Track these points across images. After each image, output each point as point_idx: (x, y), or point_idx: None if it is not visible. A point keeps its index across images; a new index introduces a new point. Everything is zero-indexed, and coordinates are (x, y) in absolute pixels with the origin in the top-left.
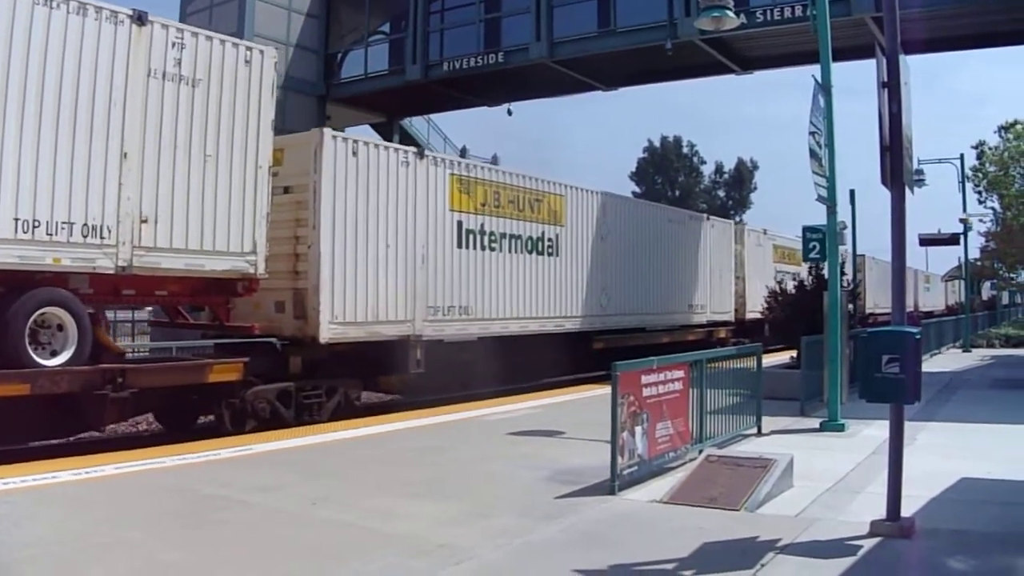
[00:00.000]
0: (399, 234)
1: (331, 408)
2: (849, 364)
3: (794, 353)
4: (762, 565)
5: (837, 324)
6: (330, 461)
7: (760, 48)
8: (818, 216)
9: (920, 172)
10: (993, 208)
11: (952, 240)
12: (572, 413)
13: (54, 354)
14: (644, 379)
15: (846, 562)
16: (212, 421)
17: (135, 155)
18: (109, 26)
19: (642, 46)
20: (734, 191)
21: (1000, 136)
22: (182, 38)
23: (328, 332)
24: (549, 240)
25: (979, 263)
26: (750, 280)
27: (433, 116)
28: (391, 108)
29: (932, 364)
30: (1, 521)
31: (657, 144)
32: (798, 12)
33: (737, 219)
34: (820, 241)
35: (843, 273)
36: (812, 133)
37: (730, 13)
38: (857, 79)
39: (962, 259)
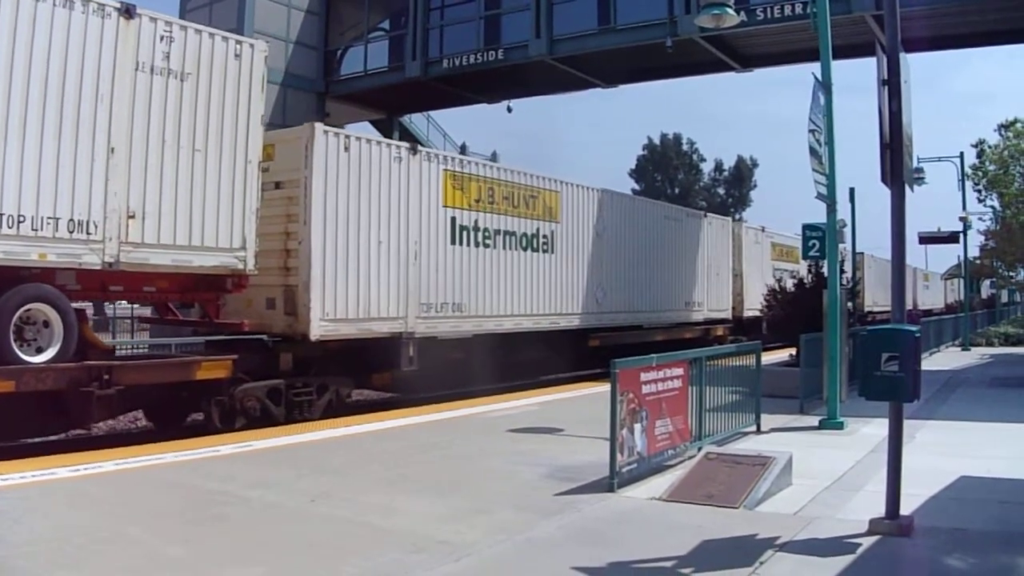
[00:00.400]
0: (392, 230)
1: (322, 406)
2: (848, 362)
3: (793, 351)
4: (761, 563)
5: (836, 322)
6: (331, 457)
7: (760, 46)
8: (818, 214)
9: (920, 170)
10: (993, 207)
11: (952, 238)
12: (571, 410)
13: (39, 351)
14: (643, 376)
15: (845, 560)
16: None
17: (122, 150)
18: (96, 19)
19: (642, 43)
20: (734, 189)
21: (1000, 134)
22: (171, 31)
23: (319, 329)
24: (544, 237)
25: (978, 261)
26: (748, 278)
27: (433, 113)
28: (391, 105)
29: (931, 362)
30: (2, 518)
31: (657, 141)
32: (798, 10)
33: (737, 217)
34: (820, 239)
35: (843, 271)
36: (812, 131)
37: (730, 11)
38: (857, 76)
39: (961, 257)
